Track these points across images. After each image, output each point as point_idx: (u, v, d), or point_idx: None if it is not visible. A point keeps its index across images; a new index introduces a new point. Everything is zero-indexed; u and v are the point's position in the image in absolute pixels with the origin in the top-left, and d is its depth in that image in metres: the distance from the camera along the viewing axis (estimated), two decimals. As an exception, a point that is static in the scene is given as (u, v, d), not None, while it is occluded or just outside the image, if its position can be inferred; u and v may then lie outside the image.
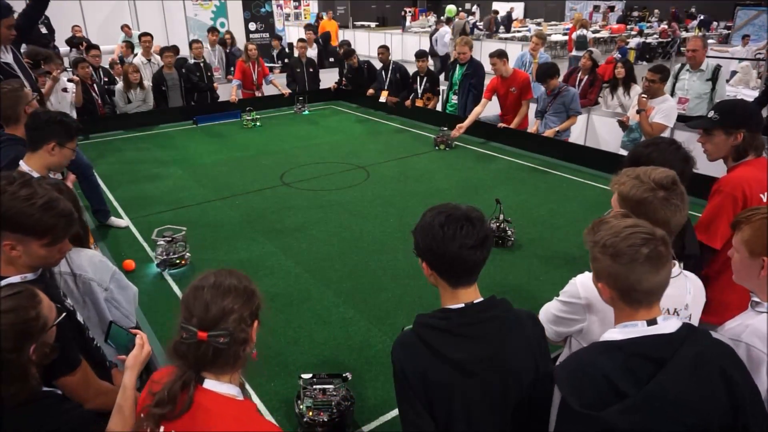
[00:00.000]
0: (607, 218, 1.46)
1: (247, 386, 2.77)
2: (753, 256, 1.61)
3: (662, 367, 1.25)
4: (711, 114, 2.57)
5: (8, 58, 4.04)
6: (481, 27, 21.91)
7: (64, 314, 1.48)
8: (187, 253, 4.02)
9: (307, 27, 11.33)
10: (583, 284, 1.72)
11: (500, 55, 6.46)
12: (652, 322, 1.36)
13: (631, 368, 1.28)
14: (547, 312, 1.84)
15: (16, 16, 4.19)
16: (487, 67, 6.93)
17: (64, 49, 10.14)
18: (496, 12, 23.25)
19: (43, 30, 9.90)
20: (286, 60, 10.92)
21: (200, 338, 1.27)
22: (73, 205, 2.10)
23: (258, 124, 8.13)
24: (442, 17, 16.75)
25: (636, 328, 1.36)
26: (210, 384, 1.32)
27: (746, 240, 1.62)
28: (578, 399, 1.26)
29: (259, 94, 8.96)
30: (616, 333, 1.38)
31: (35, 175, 2.63)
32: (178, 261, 3.96)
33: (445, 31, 13.83)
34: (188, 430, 1.27)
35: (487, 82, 7.01)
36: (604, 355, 1.33)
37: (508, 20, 23.50)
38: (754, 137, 2.50)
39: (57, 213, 1.67)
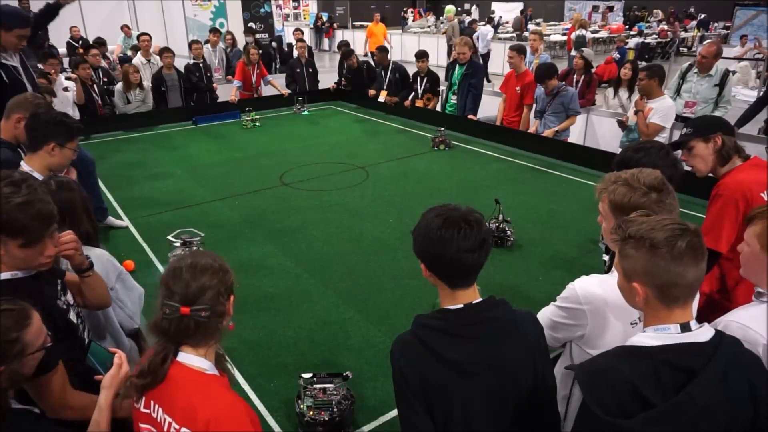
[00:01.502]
0: (633, 217, 1.41)
1: (247, 386, 2.78)
2: (764, 250, 1.62)
3: (692, 378, 1.23)
4: (684, 131, 2.63)
5: (15, 61, 4.04)
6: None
7: (49, 345, 1.44)
8: None
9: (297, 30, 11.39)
10: (582, 289, 1.70)
11: (519, 51, 6.57)
12: (685, 327, 1.32)
13: (660, 377, 1.25)
14: (544, 317, 1.81)
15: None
16: (493, 66, 6.92)
17: (62, 49, 10.15)
18: (523, 11, 23.75)
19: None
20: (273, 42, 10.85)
21: (183, 312, 1.38)
22: (82, 204, 2.10)
23: (257, 124, 8.13)
24: (469, 16, 17.03)
25: (669, 334, 1.31)
26: (183, 357, 1.42)
27: (758, 234, 1.63)
28: (600, 403, 1.24)
29: (256, 96, 8.98)
30: (647, 338, 1.33)
31: (36, 175, 2.63)
32: None
33: (488, 30, 14.19)
34: (160, 399, 1.40)
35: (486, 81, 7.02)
36: (632, 361, 1.28)
37: (526, 20, 24.16)
38: (731, 140, 2.54)
39: (32, 214, 1.63)
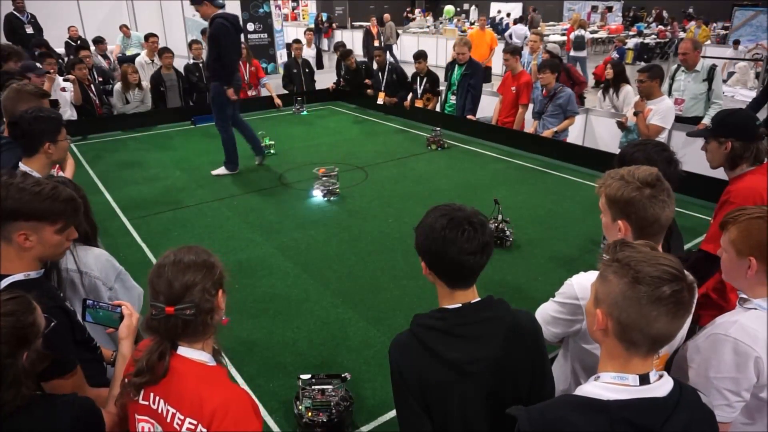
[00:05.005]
0: (635, 242, 1.30)
1: (245, 387, 2.78)
2: (740, 255, 1.62)
3: None
4: (708, 122, 2.63)
5: None
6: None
7: (52, 324, 1.47)
8: (338, 187, 5.35)
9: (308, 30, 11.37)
10: (579, 284, 1.70)
11: (513, 52, 6.68)
12: (644, 379, 1.22)
13: None
14: (544, 313, 1.82)
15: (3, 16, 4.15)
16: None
17: (60, 50, 10.11)
18: (535, 9, 23.96)
19: (29, 30, 9.77)
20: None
21: (168, 312, 1.38)
22: (81, 204, 2.11)
23: (272, 151, 7.51)
24: (467, 18, 17.40)
25: (626, 386, 1.22)
26: (183, 351, 1.44)
27: (733, 240, 1.64)
28: None
29: (255, 94, 8.94)
30: (603, 389, 1.22)
31: (36, 176, 2.62)
32: (337, 190, 5.36)
33: (522, 29, 15.18)
34: (163, 391, 1.40)
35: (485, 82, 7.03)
36: (586, 417, 1.18)
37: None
38: (744, 147, 2.51)
39: (64, 199, 1.73)
